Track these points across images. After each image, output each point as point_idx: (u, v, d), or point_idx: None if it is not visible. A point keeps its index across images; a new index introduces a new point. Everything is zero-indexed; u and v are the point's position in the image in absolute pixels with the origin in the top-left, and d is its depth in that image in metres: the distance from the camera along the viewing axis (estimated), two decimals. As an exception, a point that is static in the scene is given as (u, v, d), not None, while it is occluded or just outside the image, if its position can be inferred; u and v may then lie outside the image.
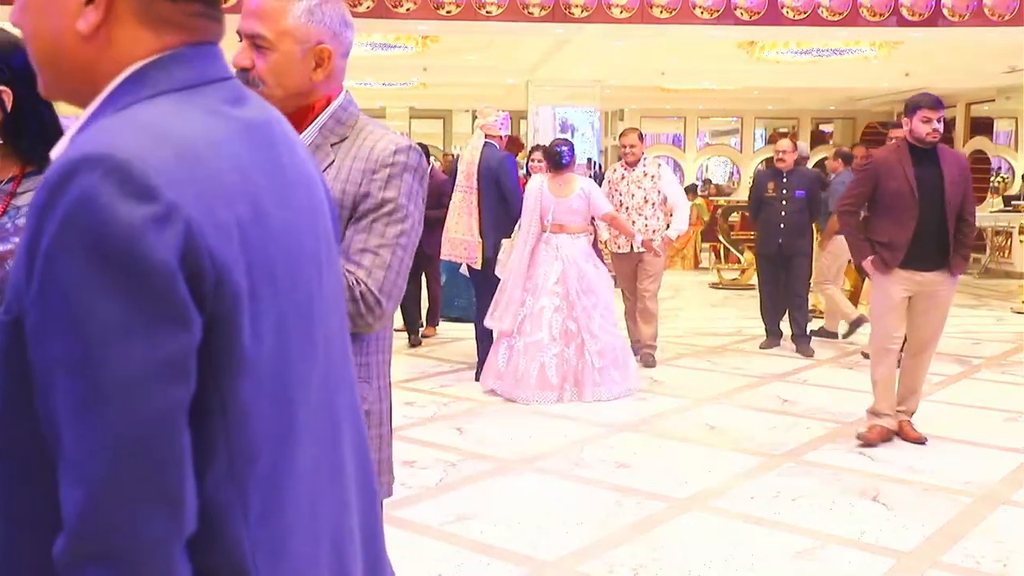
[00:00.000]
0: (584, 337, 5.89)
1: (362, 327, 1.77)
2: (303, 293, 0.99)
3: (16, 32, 1.29)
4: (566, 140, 6.48)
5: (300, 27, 1.75)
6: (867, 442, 4.87)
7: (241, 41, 1.78)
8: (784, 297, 7.46)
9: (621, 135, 7.27)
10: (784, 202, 7.28)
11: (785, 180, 7.33)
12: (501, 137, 6.38)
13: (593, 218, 6.22)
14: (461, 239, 6.22)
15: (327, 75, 1.80)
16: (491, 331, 6.18)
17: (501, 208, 6.17)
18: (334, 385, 1.06)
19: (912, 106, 4.73)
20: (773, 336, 7.57)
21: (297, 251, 0.98)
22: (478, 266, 6.16)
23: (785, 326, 7.54)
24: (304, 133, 1.82)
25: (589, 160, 13.66)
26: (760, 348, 7.51)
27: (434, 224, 7.53)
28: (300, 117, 1.82)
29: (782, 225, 7.28)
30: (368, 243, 1.76)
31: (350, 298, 1.72)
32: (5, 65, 1.63)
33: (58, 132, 1.68)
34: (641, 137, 7.27)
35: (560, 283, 5.93)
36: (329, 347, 1.04)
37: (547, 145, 6.64)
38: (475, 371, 6.40)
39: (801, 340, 7.39)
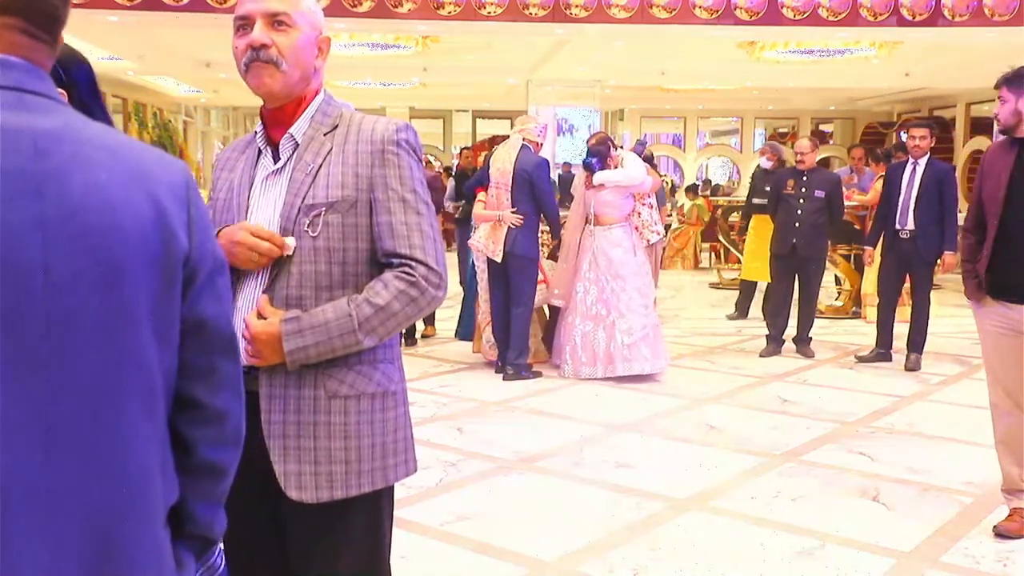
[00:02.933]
0: (613, 316, 6.43)
1: (434, 304, 1.88)
2: None
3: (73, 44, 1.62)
4: (604, 141, 6.83)
5: (311, 14, 1.89)
6: (1010, 533, 3.71)
7: (240, 29, 1.86)
8: (798, 301, 7.39)
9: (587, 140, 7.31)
10: (802, 200, 7.18)
11: (805, 179, 7.25)
12: (539, 144, 6.68)
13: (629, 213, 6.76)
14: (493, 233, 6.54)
15: (322, 66, 1.93)
16: (508, 322, 6.57)
17: (532, 207, 6.44)
18: (52, 412, 1.04)
19: None
20: (775, 343, 7.41)
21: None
22: (498, 259, 6.42)
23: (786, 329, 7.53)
24: (296, 124, 1.90)
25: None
26: (760, 355, 7.35)
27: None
28: (292, 109, 1.90)
29: (797, 224, 7.18)
30: (408, 220, 1.85)
31: (419, 293, 1.83)
32: (65, 72, 1.76)
33: None
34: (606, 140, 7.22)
35: (592, 269, 6.56)
36: (43, 364, 1.03)
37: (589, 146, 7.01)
38: (495, 364, 6.75)
39: (803, 343, 7.38)
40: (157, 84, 15.76)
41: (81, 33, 10.31)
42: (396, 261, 1.83)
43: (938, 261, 6.84)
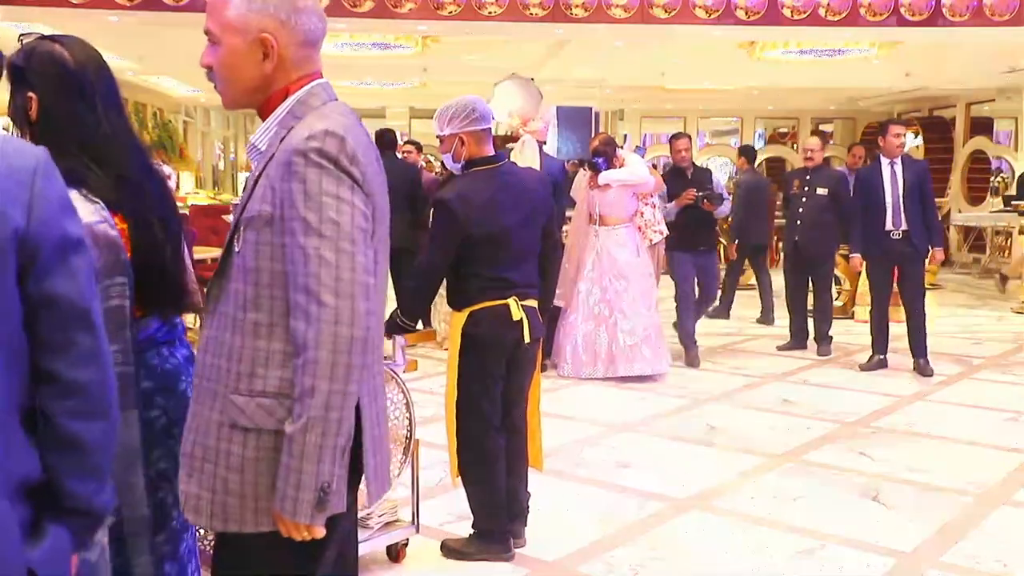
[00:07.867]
0: (616, 317, 6.46)
1: (339, 340, 1.58)
2: None
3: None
4: (609, 141, 6.83)
5: (240, 17, 1.70)
6: None
7: None
8: (813, 301, 7.50)
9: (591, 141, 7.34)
10: (804, 199, 7.29)
11: (809, 177, 7.34)
12: (544, 142, 6.94)
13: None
14: None
15: (277, 66, 1.72)
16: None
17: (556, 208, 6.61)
18: None
19: None
20: (794, 338, 7.54)
21: None
22: None
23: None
24: (257, 131, 1.77)
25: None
26: (777, 348, 7.52)
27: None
28: (265, 113, 1.78)
29: (799, 222, 7.30)
30: (307, 244, 1.60)
31: (319, 326, 1.58)
32: (33, 73, 1.90)
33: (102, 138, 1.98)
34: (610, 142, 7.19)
35: (595, 269, 6.57)
36: None
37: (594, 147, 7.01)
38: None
39: (823, 342, 7.43)
40: (157, 84, 15.75)
41: (81, 33, 10.23)
42: (293, 303, 1.62)
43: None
